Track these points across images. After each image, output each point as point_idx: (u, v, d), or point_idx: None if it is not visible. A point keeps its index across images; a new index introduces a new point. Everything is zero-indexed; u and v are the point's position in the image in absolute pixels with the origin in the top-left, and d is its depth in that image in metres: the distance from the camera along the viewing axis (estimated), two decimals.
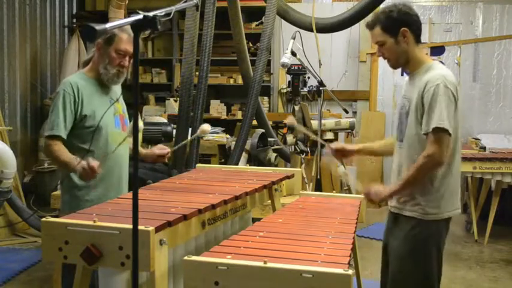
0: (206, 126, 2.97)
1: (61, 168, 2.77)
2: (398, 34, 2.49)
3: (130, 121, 2.96)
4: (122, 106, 2.91)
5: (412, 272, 2.53)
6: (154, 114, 6.88)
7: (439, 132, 2.36)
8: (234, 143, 5.08)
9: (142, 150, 3.02)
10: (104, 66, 2.73)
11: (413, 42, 2.52)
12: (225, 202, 2.34)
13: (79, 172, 2.55)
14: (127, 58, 2.74)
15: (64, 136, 2.66)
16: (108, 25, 1.65)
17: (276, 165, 5.22)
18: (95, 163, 2.52)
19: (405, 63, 2.57)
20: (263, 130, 5.31)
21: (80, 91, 2.70)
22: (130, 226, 1.73)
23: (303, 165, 5.10)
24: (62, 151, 2.64)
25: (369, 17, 2.64)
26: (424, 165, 2.40)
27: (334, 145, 2.90)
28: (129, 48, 2.72)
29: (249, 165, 4.68)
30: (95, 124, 2.71)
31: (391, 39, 2.51)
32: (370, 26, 2.57)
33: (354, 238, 2.14)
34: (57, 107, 2.67)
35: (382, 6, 2.71)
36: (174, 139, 4.72)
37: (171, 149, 3.03)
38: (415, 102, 2.46)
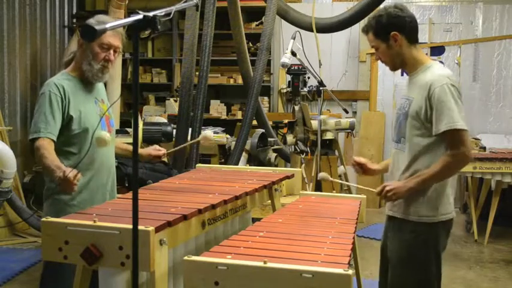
0: (209, 133, 2.94)
1: (47, 173, 2.60)
2: (389, 38, 2.48)
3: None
4: (106, 107, 2.81)
5: (410, 277, 2.50)
6: (154, 114, 6.89)
7: (456, 132, 2.36)
8: (234, 143, 5.08)
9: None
10: (87, 62, 2.64)
11: (407, 44, 2.50)
12: (225, 202, 2.34)
13: (58, 184, 2.41)
14: (111, 52, 2.65)
15: (54, 138, 2.54)
16: (108, 25, 1.66)
17: (276, 165, 5.22)
18: (72, 174, 2.34)
19: (402, 65, 2.56)
20: (263, 130, 5.32)
21: (66, 91, 2.61)
22: (131, 226, 1.73)
23: (303, 165, 5.10)
24: (48, 155, 2.47)
25: (364, 21, 2.63)
26: (453, 163, 2.38)
27: (358, 159, 2.79)
28: (113, 41, 2.63)
29: (249, 165, 4.68)
30: (80, 126, 2.62)
31: (382, 44, 2.50)
32: (365, 32, 2.57)
33: (354, 238, 2.14)
34: (44, 108, 2.55)
35: (375, 10, 2.69)
36: (174, 139, 4.72)
37: (168, 150, 2.98)
38: (418, 104, 2.44)
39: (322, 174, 3.02)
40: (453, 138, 2.37)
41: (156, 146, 2.97)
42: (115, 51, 2.68)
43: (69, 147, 2.63)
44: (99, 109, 2.74)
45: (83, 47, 2.66)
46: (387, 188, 2.47)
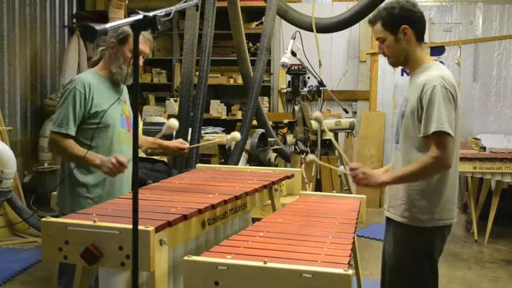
0: (237, 134, 3.09)
1: (73, 161, 2.77)
2: (399, 31, 2.43)
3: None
4: (128, 108, 2.95)
5: (405, 281, 2.48)
6: (154, 114, 6.89)
7: (441, 136, 2.31)
8: (234, 143, 5.07)
9: (163, 142, 3.10)
10: (118, 65, 2.78)
11: (415, 40, 2.45)
12: (225, 202, 2.34)
13: (106, 167, 2.56)
14: (141, 58, 2.81)
15: (73, 134, 2.69)
16: (108, 25, 1.66)
17: (276, 165, 5.22)
18: (123, 158, 2.55)
19: (405, 62, 2.51)
20: (263, 130, 5.31)
21: (92, 89, 2.73)
22: (131, 226, 1.73)
23: (303, 165, 5.10)
24: (74, 145, 2.67)
25: (372, 13, 2.57)
26: (428, 165, 2.32)
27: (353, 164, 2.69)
28: (144, 48, 2.79)
29: (249, 165, 4.68)
30: (103, 121, 2.75)
31: (391, 36, 2.44)
32: (372, 22, 2.50)
33: (354, 238, 2.14)
34: (67, 104, 2.69)
35: (385, 2, 2.67)
36: (173, 139, 4.71)
37: (189, 146, 3.17)
38: (412, 104, 2.41)
39: (310, 156, 2.96)
40: (437, 141, 2.32)
41: (181, 140, 3.13)
42: (143, 57, 2.85)
43: (89, 141, 2.73)
44: (121, 108, 2.87)
45: (114, 49, 2.79)
46: (361, 170, 2.41)
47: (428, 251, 2.46)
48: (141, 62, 2.84)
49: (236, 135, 3.09)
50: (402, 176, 2.39)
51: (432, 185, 2.41)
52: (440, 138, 2.32)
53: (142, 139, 3.08)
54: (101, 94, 2.77)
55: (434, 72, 2.40)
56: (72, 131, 2.69)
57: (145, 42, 2.81)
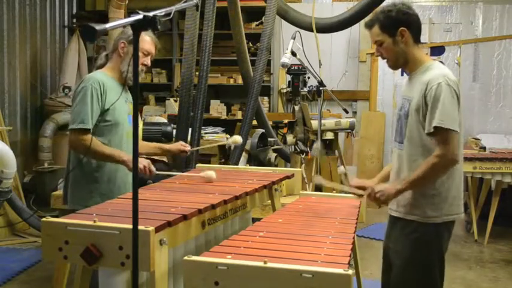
0: (238, 137, 3.22)
1: (98, 158, 2.83)
2: (397, 34, 2.46)
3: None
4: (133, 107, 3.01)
5: (413, 278, 2.50)
6: (154, 114, 6.88)
7: (443, 132, 2.33)
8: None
9: (165, 146, 3.25)
10: (127, 66, 2.83)
11: (412, 42, 2.49)
12: (225, 202, 2.34)
13: (139, 167, 2.61)
14: (149, 58, 2.92)
15: (91, 128, 2.76)
16: (108, 25, 1.66)
17: (276, 165, 5.22)
18: (153, 168, 2.76)
19: (404, 64, 2.54)
20: (263, 130, 5.31)
21: (105, 87, 2.82)
22: (131, 226, 1.73)
23: (303, 165, 5.10)
24: (101, 144, 2.76)
25: (369, 16, 2.60)
26: (436, 164, 2.35)
27: (354, 183, 2.69)
28: (152, 49, 2.92)
29: (249, 165, 4.68)
30: (112, 119, 2.84)
31: (389, 38, 2.47)
32: (369, 25, 2.53)
33: (354, 238, 2.14)
34: (85, 101, 2.76)
35: (381, 6, 2.72)
36: (174, 139, 4.72)
37: (191, 149, 3.24)
38: (416, 103, 2.43)
39: (318, 178, 2.99)
40: (440, 137, 2.35)
41: (183, 142, 3.23)
42: (151, 58, 2.96)
43: (100, 137, 2.81)
44: (128, 108, 2.97)
45: (124, 50, 2.87)
46: (376, 190, 2.46)
47: (438, 247, 2.49)
48: (149, 62, 2.93)
49: (237, 138, 3.14)
50: (414, 181, 2.41)
51: (440, 181, 2.43)
52: (442, 135, 2.34)
53: (143, 145, 3.12)
54: (111, 93, 2.85)
55: (437, 71, 2.44)
56: (91, 126, 2.75)
57: (153, 43, 2.92)
